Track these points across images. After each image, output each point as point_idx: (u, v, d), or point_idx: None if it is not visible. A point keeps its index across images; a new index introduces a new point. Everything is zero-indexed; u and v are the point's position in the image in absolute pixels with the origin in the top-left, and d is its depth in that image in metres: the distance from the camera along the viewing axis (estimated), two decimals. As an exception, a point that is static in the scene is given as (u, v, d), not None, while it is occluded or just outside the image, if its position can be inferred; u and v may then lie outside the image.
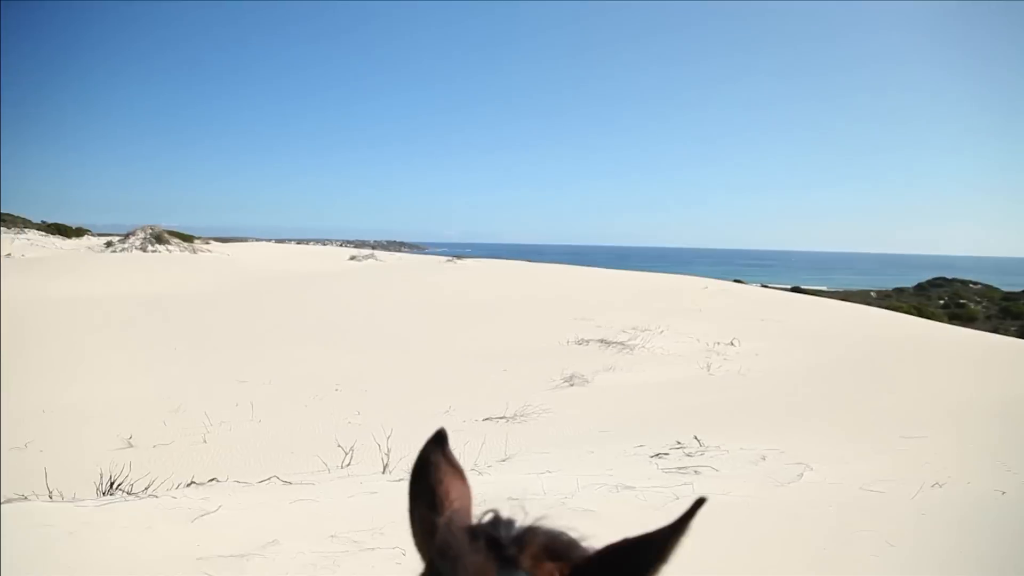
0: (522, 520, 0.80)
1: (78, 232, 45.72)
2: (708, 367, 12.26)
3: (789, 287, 42.62)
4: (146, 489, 5.01)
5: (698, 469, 5.44)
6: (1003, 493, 4.50)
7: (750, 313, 19.58)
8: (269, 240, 70.30)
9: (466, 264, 38.05)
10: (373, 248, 70.16)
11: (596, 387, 10.99)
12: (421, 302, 22.30)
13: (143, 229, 41.65)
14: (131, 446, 7.88)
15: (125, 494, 4.78)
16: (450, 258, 41.35)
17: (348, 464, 6.60)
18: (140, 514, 4.09)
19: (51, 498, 4.61)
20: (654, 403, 9.87)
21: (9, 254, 34.31)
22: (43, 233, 42.70)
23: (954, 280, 50.04)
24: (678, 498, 4.44)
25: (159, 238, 41.01)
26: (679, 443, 6.55)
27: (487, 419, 8.90)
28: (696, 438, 6.60)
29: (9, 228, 41.00)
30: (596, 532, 0.81)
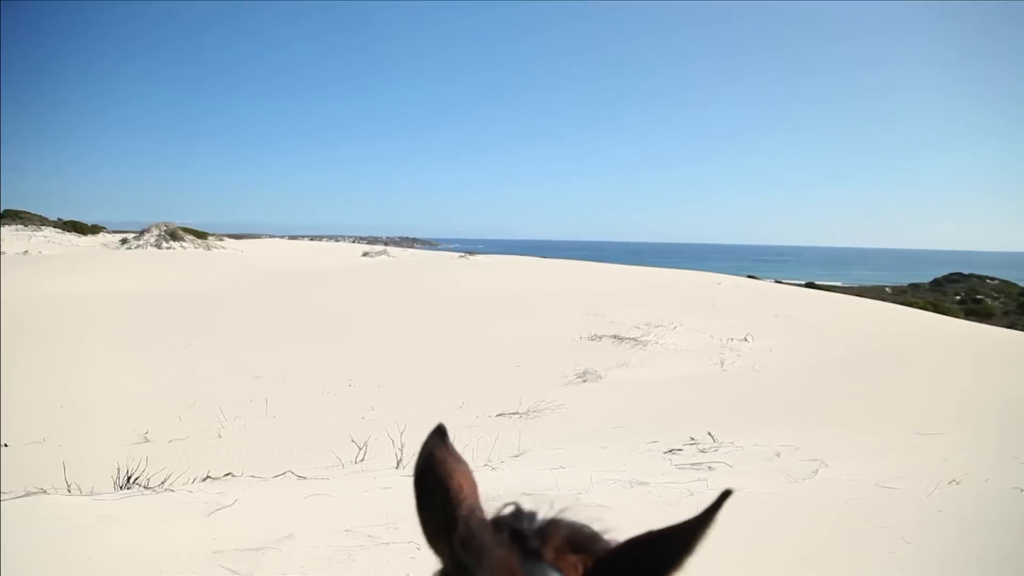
0: (544, 513, 0.80)
1: (94, 229, 46.14)
2: (721, 363, 12.21)
3: (803, 283, 42.35)
4: (162, 483, 5.05)
5: (712, 465, 5.42)
6: (1022, 491, 4.46)
7: (764, 309, 19.46)
8: (282, 236, 70.64)
9: (478, 260, 38.08)
10: (385, 244, 70.36)
11: (609, 383, 10.97)
12: (434, 298, 22.32)
13: (158, 226, 41.98)
14: (147, 441, 7.95)
15: (142, 488, 4.82)
16: (462, 254, 41.41)
17: (362, 459, 6.63)
18: (157, 508, 4.12)
19: (69, 492, 4.66)
20: (667, 399, 9.84)
21: (26, 251, 34.68)
22: (59, 230, 43.13)
23: (971, 275, 49.54)
24: (692, 494, 4.43)
25: (173, 235, 41.32)
26: (693, 439, 6.54)
27: (500, 415, 8.91)
28: (710, 434, 6.58)
29: (26, 225, 41.45)
30: (610, 528, 0.81)
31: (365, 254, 44.05)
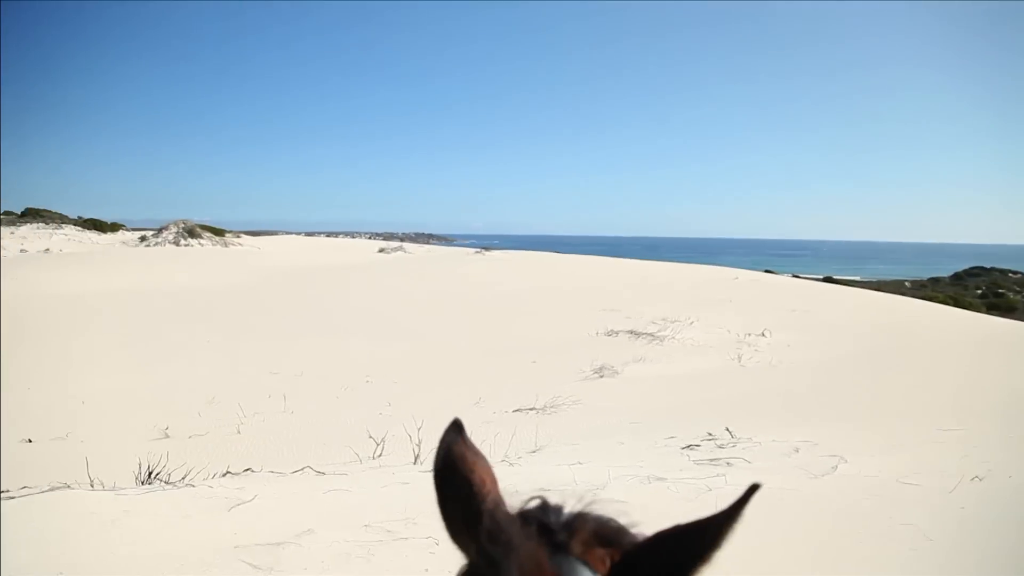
0: (570, 507, 0.80)
1: (113, 227, 46.66)
2: (739, 358, 12.15)
3: (821, 277, 42.03)
4: (183, 479, 5.10)
5: (730, 461, 5.38)
6: (1047, 488, 4.40)
7: (781, 304, 19.33)
8: (299, 233, 71.07)
9: (494, 256, 38.12)
10: (401, 240, 70.59)
11: (626, 378, 10.95)
12: (450, 294, 22.37)
13: (176, 224, 42.40)
14: (167, 436, 8.03)
15: (163, 483, 4.87)
16: (478, 250, 41.46)
17: (380, 455, 6.65)
18: (178, 503, 4.16)
19: (92, 487, 4.71)
20: (685, 394, 9.80)
21: (47, 249, 35.15)
22: (80, 229, 43.68)
23: (992, 269, 48.96)
24: (710, 490, 4.41)
25: (191, 232, 41.71)
26: (710, 435, 6.50)
27: (517, 410, 8.91)
28: (727, 430, 6.54)
29: (47, 224, 42.00)
30: (635, 522, 0.81)
31: (381, 250, 44.21)
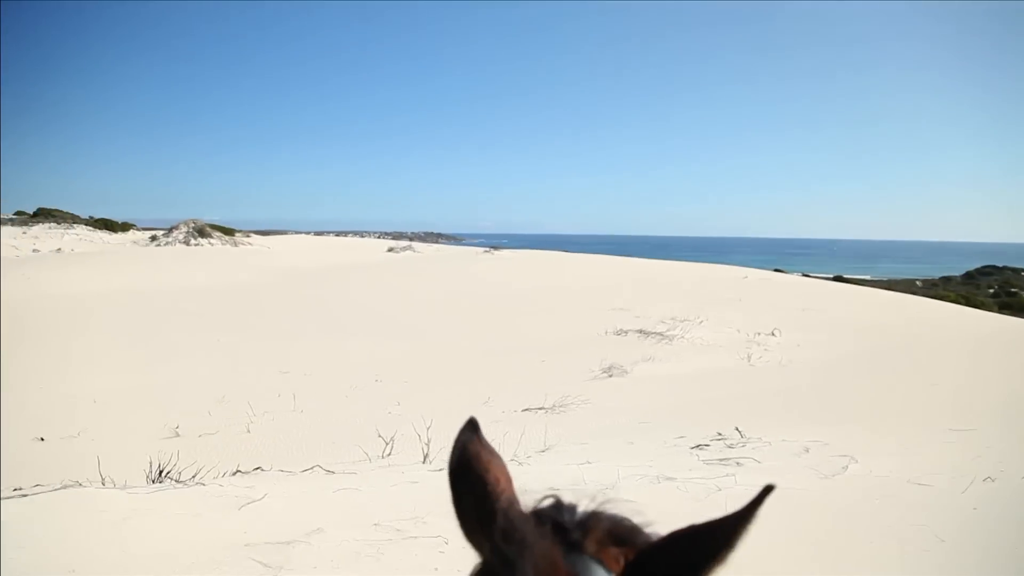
0: (584, 506, 0.80)
1: (124, 227, 46.94)
2: (749, 358, 12.11)
3: (831, 276, 41.82)
4: (193, 477, 5.12)
5: (740, 460, 5.36)
6: (1062, 488, 4.36)
7: (791, 303, 19.26)
8: (308, 233, 71.25)
9: (503, 255, 38.11)
10: (410, 240, 70.70)
11: (635, 378, 10.93)
12: (459, 293, 22.39)
13: (186, 223, 42.61)
14: (178, 435, 8.07)
15: (174, 482, 4.88)
16: (487, 249, 41.45)
17: (389, 454, 6.66)
18: (189, 501, 4.18)
19: (104, 485, 4.73)
20: (694, 394, 9.77)
21: (59, 248, 35.40)
22: (91, 228, 43.97)
23: (1005, 268, 48.61)
24: (720, 489, 4.39)
25: (201, 232, 41.90)
26: (720, 434, 6.48)
27: (526, 410, 8.91)
28: (737, 429, 6.51)
29: (59, 224, 42.31)
30: (650, 521, 0.80)
31: (390, 250, 44.29)
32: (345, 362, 12.49)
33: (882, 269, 74.62)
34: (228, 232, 43.72)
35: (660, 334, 14.21)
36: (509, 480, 0.82)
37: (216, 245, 40.75)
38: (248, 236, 45.49)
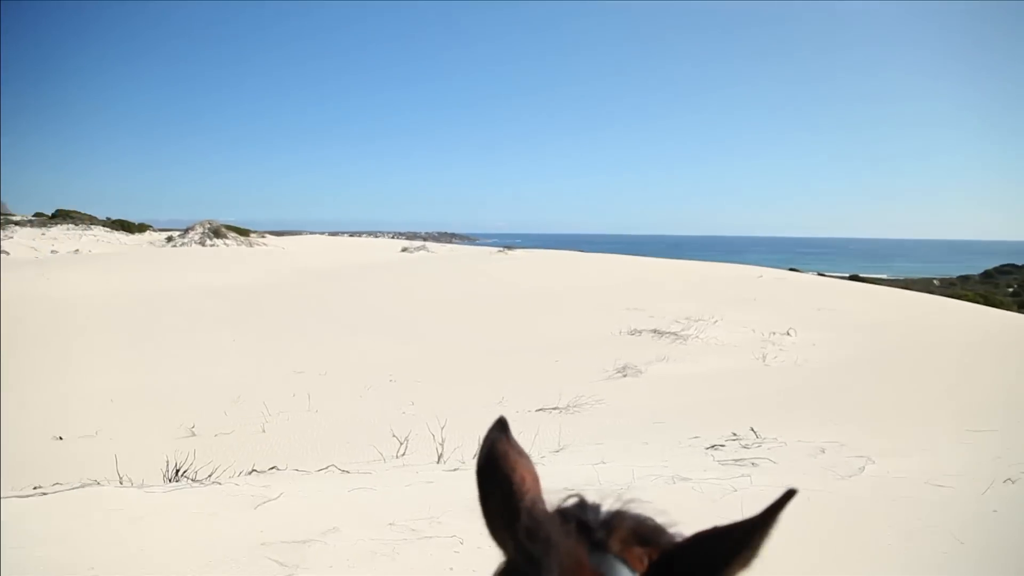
0: (608, 505, 0.80)
1: (140, 228, 47.39)
2: (764, 358, 12.03)
3: (847, 275, 41.49)
4: (209, 476, 5.16)
5: (755, 461, 5.33)
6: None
7: (806, 302, 19.13)
8: (322, 233, 71.52)
9: (517, 254, 38.09)
10: (424, 239, 70.83)
11: (649, 378, 10.89)
12: (472, 293, 22.42)
13: (202, 224, 42.95)
14: (194, 435, 8.13)
15: (190, 481, 4.92)
16: (501, 248, 41.44)
17: (403, 454, 6.68)
18: (205, 501, 4.21)
19: (121, 484, 4.78)
20: (709, 394, 9.73)
21: (77, 250, 35.78)
22: (108, 229, 44.42)
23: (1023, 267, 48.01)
24: (735, 490, 4.37)
25: (217, 233, 42.21)
26: (735, 434, 6.45)
27: (540, 409, 8.89)
28: (752, 429, 6.48)
29: (76, 225, 42.78)
30: (675, 522, 0.81)
31: (404, 249, 44.38)
32: (359, 362, 12.53)
33: (899, 268, 73.98)
34: (243, 233, 44.02)
35: (674, 334, 14.16)
36: (536, 480, 0.82)
37: (231, 246, 41.03)
38: (263, 237, 45.78)
